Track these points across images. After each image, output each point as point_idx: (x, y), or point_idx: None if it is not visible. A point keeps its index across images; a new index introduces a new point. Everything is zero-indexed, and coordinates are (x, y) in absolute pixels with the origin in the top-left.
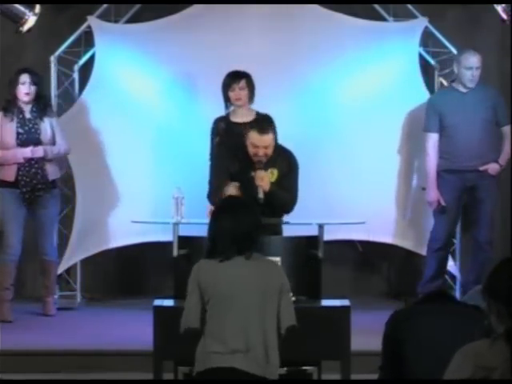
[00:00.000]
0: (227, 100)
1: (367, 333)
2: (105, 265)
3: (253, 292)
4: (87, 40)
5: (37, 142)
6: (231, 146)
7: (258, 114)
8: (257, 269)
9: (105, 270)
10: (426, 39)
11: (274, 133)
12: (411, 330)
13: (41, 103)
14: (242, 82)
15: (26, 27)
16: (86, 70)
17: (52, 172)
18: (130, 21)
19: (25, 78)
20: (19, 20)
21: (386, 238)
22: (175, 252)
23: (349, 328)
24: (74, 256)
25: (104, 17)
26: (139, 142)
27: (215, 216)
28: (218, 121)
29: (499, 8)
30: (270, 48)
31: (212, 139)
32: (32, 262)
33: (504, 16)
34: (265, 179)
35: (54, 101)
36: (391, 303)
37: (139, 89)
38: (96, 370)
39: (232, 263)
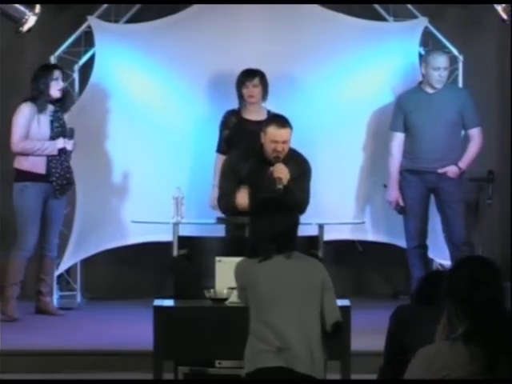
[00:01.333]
0: (241, 97)
1: (367, 333)
2: (105, 265)
3: (294, 290)
4: (87, 40)
5: (65, 136)
6: (242, 148)
7: (269, 112)
8: (298, 267)
9: (105, 270)
10: (426, 39)
11: (291, 129)
12: (416, 324)
13: (66, 100)
14: (256, 80)
15: (26, 27)
16: (86, 70)
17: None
18: (130, 21)
19: (57, 74)
20: (19, 20)
21: (386, 237)
22: (175, 252)
23: (349, 328)
24: (74, 256)
25: (104, 17)
26: (139, 142)
27: (254, 217)
28: (228, 114)
29: (499, 8)
30: (269, 48)
31: (221, 131)
32: (32, 262)
33: (504, 16)
34: (284, 171)
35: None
36: (391, 303)
37: (139, 89)
38: (96, 370)
39: (272, 263)
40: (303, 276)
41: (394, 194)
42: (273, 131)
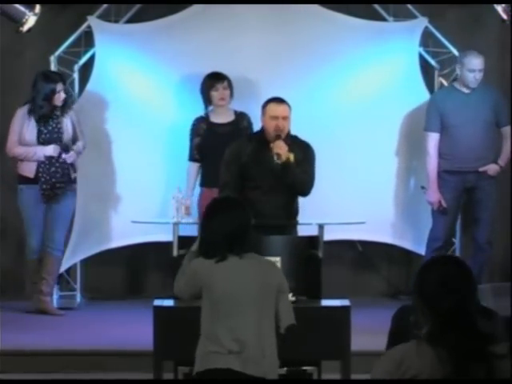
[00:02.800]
0: (208, 101)
1: (367, 333)
2: (105, 265)
3: (249, 292)
4: (87, 40)
5: (58, 142)
6: (243, 136)
7: (236, 112)
8: (254, 268)
9: (105, 270)
10: (426, 39)
11: (289, 107)
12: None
13: (64, 105)
14: (226, 82)
15: (26, 27)
16: (86, 70)
17: (74, 168)
18: (130, 21)
19: (60, 87)
20: (19, 20)
21: (386, 237)
22: (175, 252)
23: (349, 328)
24: (74, 256)
25: (104, 17)
26: (139, 142)
27: (206, 216)
28: (197, 121)
29: (499, 8)
30: (269, 48)
31: (191, 139)
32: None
33: (504, 16)
34: (283, 148)
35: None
36: (391, 303)
37: (139, 88)
38: (96, 370)
39: (228, 264)
40: (259, 277)
41: (435, 195)
42: (273, 107)
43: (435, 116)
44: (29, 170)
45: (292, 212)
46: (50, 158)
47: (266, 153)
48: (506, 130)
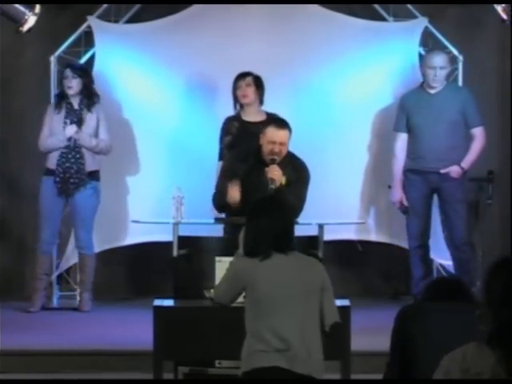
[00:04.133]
0: (236, 100)
1: (367, 333)
2: (105, 265)
3: (295, 290)
4: (87, 40)
5: (77, 132)
6: (242, 149)
7: (267, 114)
8: (298, 266)
9: (105, 270)
10: (426, 39)
11: (290, 131)
12: (422, 325)
13: (86, 94)
14: (248, 79)
15: (26, 27)
16: None
17: (91, 164)
18: (130, 21)
19: (67, 72)
20: (19, 20)
21: (386, 238)
22: (175, 252)
23: (349, 328)
24: (74, 256)
25: (104, 17)
26: (139, 142)
27: (252, 216)
28: (230, 120)
29: (499, 8)
30: (269, 48)
31: (221, 138)
32: (29, 261)
33: (504, 16)
34: (277, 173)
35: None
36: (391, 303)
37: (139, 88)
38: (96, 370)
39: (272, 262)
40: (303, 275)
41: (397, 194)
42: (271, 132)
43: (402, 116)
44: (51, 161)
45: None
46: (68, 151)
47: (260, 174)
48: (475, 131)
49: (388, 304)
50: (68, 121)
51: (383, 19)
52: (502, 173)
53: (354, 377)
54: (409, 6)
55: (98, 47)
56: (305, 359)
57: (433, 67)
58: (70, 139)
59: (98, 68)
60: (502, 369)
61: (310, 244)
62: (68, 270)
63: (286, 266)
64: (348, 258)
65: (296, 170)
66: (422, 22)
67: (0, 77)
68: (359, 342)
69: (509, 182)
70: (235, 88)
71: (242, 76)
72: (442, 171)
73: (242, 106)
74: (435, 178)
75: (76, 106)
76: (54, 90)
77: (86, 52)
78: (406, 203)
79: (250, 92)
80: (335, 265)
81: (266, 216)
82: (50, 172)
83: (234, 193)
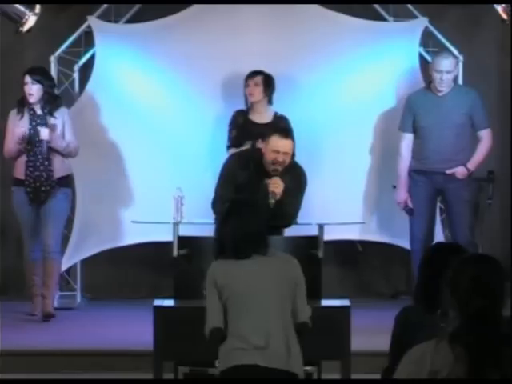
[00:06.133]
0: (245, 97)
1: (367, 333)
2: (105, 265)
3: (273, 287)
4: (87, 40)
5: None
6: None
7: (276, 114)
8: (275, 264)
9: (105, 270)
10: (426, 39)
11: (293, 141)
12: (421, 325)
13: (47, 99)
14: (257, 78)
15: (26, 27)
16: (86, 70)
17: (59, 169)
18: (130, 21)
19: (26, 78)
20: (19, 20)
21: (386, 238)
22: (175, 252)
23: (349, 328)
24: (74, 256)
25: (104, 17)
26: (139, 142)
27: (224, 219)
28: (236, 113)
29: (499, 8)
30: (269, 48)
31: (230, 131)
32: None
33: (504, 16)
34: (279, 187)
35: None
36: (391, 303)
37: (139, 89)
38: (96, 370)
39: (249, 261)
40: (280, 272)
41: (402, 194)
42: (275, 141)
43: (408, 117)
44: (19, 171)
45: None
46: (34, 159)
47: (260, 182)
48: (482, 133)
49: (388, 304)
50: (30, 127)
51: (383, 19)
52: (502, 173)
53: (354, 377)
54: (409, 5)
55: (98, 47)
56: (283, 355)
57: (439, 71)
58: (41, 142)
59: (97, 68)
60: (460, 366)
61: (310, 244)
62: (68, 270)
63: (263, 265)
64: (348, 258)
65: (293, 176)
66: (422, 22)
67: (0, 77)
68: (359, 341)
69: (509, 182)
70: (245, 85)
71: (252, 75)
72: (448, 172)
73: (250, 104)
74: (440, 178)
75: (39, 112)
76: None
77: (85, 52)
78: (410, 204)
79: (256, 91)
80: (335, 265)
81: (238, 218)
82: (19, 182)
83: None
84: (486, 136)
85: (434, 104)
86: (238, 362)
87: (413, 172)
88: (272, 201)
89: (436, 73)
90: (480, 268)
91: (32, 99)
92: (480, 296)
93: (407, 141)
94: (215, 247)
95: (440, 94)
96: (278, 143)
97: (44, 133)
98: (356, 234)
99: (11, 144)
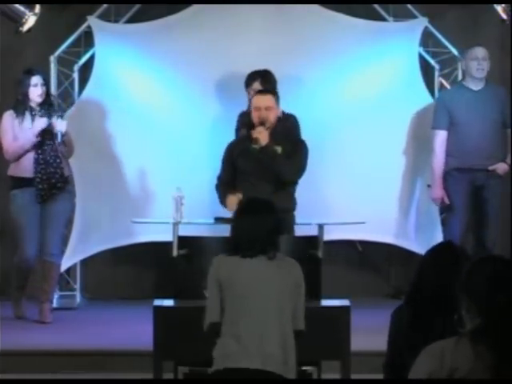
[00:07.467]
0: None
1: (367, 333)
2: (105, 265)
3: (274, 291)
4: (87, 40)
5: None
6: (238, 139)
7: (283, 113)
8: (278, 267)
9: (105, 270)
10: (426, 39)
11: (275, 96)
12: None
13: (48, 101)
14: (267, 100)
15: (26, 27)
16: (86, 70)
17: (67, 168)
18: (130, 21)
19: (36, 79)
20: (19, 20)
21: (387, 238)
22: (175, 252)
23: (349, 328)
24: (74, 256)
25: (104, 17)
26: (139, 142)
27: (239, 216)
28: (243, 114)
29: (499, 8)
30: (269, 48)
31: (236, 130)
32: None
33: (504, 16)
34: (262, 133)
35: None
36: (391, 303)
37: (139, 89)
38: (96, 370)
39: (254, 261)
40: (282, 276)
41: (439, 191)
42: (255, 99)
43: (443, 114)
44: (24, 168)
45: (284, 199)
46: (44, 158)
47: (249, 142)
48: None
49: (388, 304)
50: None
51: (383, 19)
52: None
53: (354, 377)
54: (409, 5)
55: (98, 47)
56: (279, 359)
57: (475, 58)
58: (55, 136)
59: (97, 68)
60: (482, 363)
61: (310, 244)
62: (68, 270)
63: (267, 267)
64: (348, 257)
65: (293, 143)
66: (422, 22)
67: (0, 77)
68: (359, 341)
69: (509, 182)
70: (246, 84)
71: (253, 75)
72: (490, 168)
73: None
74: (482, 175)
75: (39, 113)
76: (54, 91)
77: (85, 52)
78: (447, 201)
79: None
80: (335, 265)
81: (253, 217)
82: (25, 182)
83: (232, 202)
84: None
85: (471, 100)
86: (231, 365)
87: (453, 170)
88: (255, 146)
89: (472, 61)
90: (494, 267)
91: (40, 99)
92: (500, 293)
93: (441, 138)
94: (229, 244)
95: (475, 89)
96: (257, 100)
97: (40, 123)
98: (356, 234)
99: (14, 143)
